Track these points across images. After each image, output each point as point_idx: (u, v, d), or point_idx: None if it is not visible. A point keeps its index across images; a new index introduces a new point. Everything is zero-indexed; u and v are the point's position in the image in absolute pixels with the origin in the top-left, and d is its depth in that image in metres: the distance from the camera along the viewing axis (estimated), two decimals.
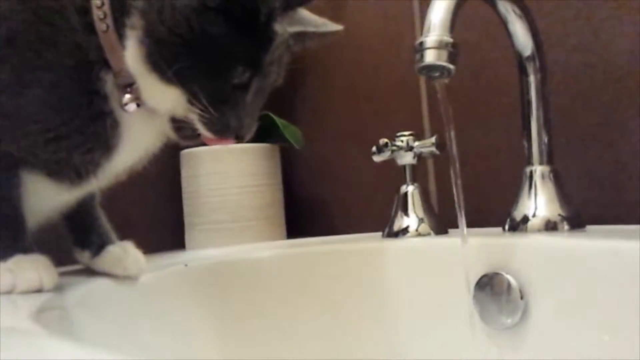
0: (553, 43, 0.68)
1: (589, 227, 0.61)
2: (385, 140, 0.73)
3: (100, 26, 0.47)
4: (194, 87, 0.47)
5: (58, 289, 0.44)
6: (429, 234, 0.71)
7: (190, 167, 0.90)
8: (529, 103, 0.63)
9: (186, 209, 0.91)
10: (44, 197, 0.50)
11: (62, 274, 0.46)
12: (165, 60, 0.46)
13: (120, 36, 0.47)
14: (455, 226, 0.56)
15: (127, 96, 0.48)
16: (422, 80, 0.87)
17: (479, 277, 0.58)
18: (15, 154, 0.47)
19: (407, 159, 0.73)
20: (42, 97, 0.46)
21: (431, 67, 0.53)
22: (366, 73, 0.94)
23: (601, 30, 0.68)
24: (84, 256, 0.54)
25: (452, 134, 0.56)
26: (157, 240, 0.80)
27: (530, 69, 0.63)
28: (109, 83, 0.48)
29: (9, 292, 0.42)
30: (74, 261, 0.56)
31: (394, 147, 0.72)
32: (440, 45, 0.52)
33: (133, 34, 0.47)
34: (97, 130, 0.48)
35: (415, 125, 0.80)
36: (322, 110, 1.01)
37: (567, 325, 0.52)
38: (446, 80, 0.54)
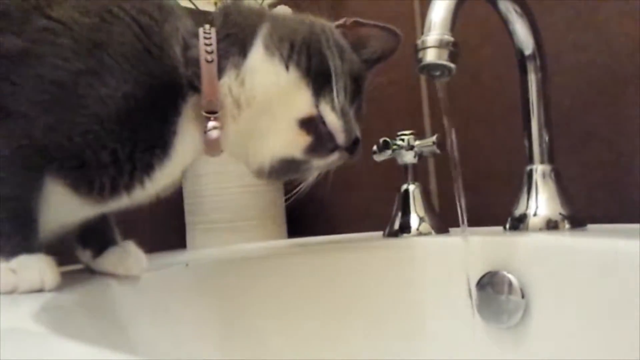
0: (554, 42, 0.68)
1: (590, 226, 0.61)
2: (386, 139, 0.73)
3: (207, 57, 0.50)
4: (326, 79, 0.51)
5: (60, 288, 0.44)
6: (430, 233, 0.71)
7: (191, 167, 0.90)
8: (530, 102, 0.63)
9: (187, 208, 0.91)
10: (65, 210, 0.49)
11: (63, 274, 0.46)
12: (304, 55, 0.51)
13: (221, 68, 0.51)
14: (456, 225, 0.56)
15: (212, 123, 0.51)
16: (423, 80, 0.87)
17: (480, 276, 0.58)
18: (47, 156, 0.46)
19: (408, 158, 0.73)
20: (123, 94, 0.46)
21: (432, 66, 0.53)
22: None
23: (602, 29, 0.68)
24: (86, 255, 0.54)
25: (453, 133, 0.56)
26: (159, 240, 0.80)
27: (530, 67, 0.63)
28: (189, 105, 0.50)
29: (11, 292, 0.42)
30: (75, 261, 0.56)
31: (395, 147, 0.72)
32: (440, 44, 0.52)
33: (256, 44, 0.52)
34: (159, 138, 0.49)
35: (416, 125, 0.80)
36: None
37: (568, 324, 0.52)
38: (447, 79, 0.55)
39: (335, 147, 0.53)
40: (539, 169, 0.62)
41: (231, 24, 0.53)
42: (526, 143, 0.64)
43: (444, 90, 0.55)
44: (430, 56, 0.52)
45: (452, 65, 0.52)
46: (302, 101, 0.51)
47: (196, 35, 0.52)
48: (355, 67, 0.55)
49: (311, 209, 1.03)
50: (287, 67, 0.51)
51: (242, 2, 0.57)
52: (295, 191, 0.61)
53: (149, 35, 0.48)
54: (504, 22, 0.62)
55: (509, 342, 0.56)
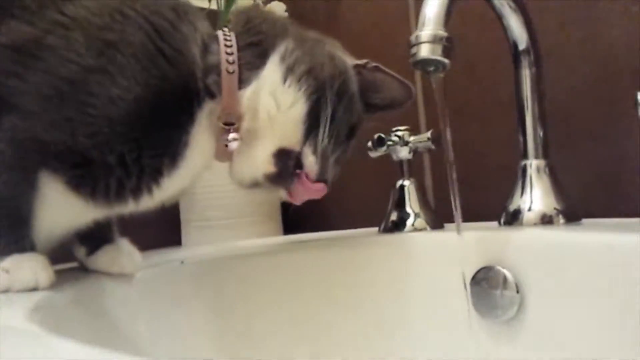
0: (548, 37, 0.68)
1: (585, 221, 0.61)
2: (381, 135, 0.72)
3: (228, 68, 0.49)
4: (321, 119, 0.51)
5: (54, 286, 0.44)
6: (425, 229, 0.71)
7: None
8: (524, 97, 0.63)
9: (183, 205, 0.91)
10: (64, 211, 0.48)
11: (57, 272, 0.46)
12: (311, 85, 0.51)
13: (241, 79, 0.50)
14: (452, 221, 0.56)
15: (232, 135, 0.50)
16: (418, 75, 0.87)
17: (475, 271, 0.58)
18: (46, 154, 0.45)
19: (403, 154, 0.73)
20: (135, 97, 0.45)
21: (426, 62, 0.53)
22: None
23: (597, 23, 0.68)
24: (80, 252, 0.54)
25: (448, 128, 0.56)
26: (154, 237, 0.80)
27: (525, 62, 0.63)
28: (204, 113, 0.49)
29: (5, 292, 0.42)
30: (69, 259, 0.55)
31: (390, 142, 0.72)
32: (434, 40, 0.52)
33: (274, 59, 0.51)
34: (169, 146, 0.48)
35: (410, 120, 0.80)
36: None
37: (562, 318, 0.52)
38: (441, 75, 0.55)
39: (291, 182, 0.53)
40: (534, 164, 0.62)
41: (254, 31, 0.52)
42: (521, 138, 0.64)
43: (439, 85, 0.55)
44: (424, 51, 0.52)
45: (446, 60, 0.52)
46: (292, 136, 0.51)
47: (216, 39, 0.51)
48: (355, 116, 0.55)
49: (306, 205, 1.03)
50: (295, 99, 0.51)
51: (263, 9, 0.55)
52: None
53: (163, 37, 0.46)
54: (498, 17, 0.62)
55: (504, 336, 0.56)
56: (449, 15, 0.53)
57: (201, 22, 0.51)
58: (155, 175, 0.48)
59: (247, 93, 0.50)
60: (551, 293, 0.53)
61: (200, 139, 0.49)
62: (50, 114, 0.44)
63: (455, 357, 0.60)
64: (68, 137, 0.44)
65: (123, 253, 0.53)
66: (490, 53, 0.77)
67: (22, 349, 0.28)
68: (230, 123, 0.50)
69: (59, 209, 0.47)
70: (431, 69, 0.54)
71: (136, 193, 0.48)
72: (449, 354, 0.60)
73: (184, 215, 0.91)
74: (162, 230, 0.93)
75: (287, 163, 0.52)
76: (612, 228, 0.56)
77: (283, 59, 0.51)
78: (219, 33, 0.51)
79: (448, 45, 0.52)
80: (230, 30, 0.52)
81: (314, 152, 0.52)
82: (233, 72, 0.50)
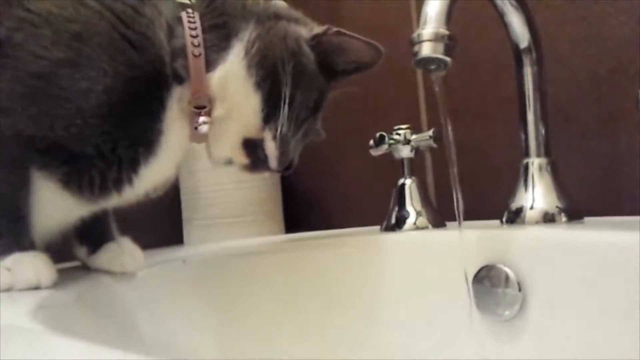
0: (550, 35, 0.68)
1: (587, 219, 0.61)
2: (383, 133, 0.72)
3: (194, 51, 0.49)
4: (279, 104, 0.50)
5: (56, 285, 0.44)
6: (427, 227, 0.71)
7: (187, 163, 0.90)
8: (526, 95, 0.63)
9: (184, 204, 0.91)
10: (57, 208, 0.49)
11: (59, 271, 0.46)
12: (266, 71, 0.51)
13: (208, 62, 0.50)
14: (453, 219, 0.56)
15: (202, 118, 0.50)
16: (419, 73, 0.86)
17: (477, 269, 0.58)
18: (33, 150, 0.45)
19: (404, 152, 0.73)
20: (105, 88, 0.45)
21: (428, 60, 0.53)
22: None
23: (599, 21, 0.68)
24: (82, 252, 0.54)
25: (449, 126, 0.56)
26: (155, 236, 0.80)
27: (526, 61, 0.62)
28: (174, 98, 0.49)
29: (7, 290, 0.42)
30: (71, 257, 0.55)
31: (392, 141, 0.72)
32: (436, 38, 0.51)
33: (238, 46, 0.50)
34: (143, 135, 0.48)
35: (412, 119, 0.80)
36: None
37: (565, 317, 0.52)
38: (443, 73, 0.54)
39: (268, 169, 0.54)
40: (536, 162, 0.62)
41: (217, 12, 0.52)
42: (522, 136, 0.64)
43: (440, 84, 0.55)
44: (426, 50, 0.52)
45: (447, 58, 0.52)
46: (252, 123, 0.52)
47: (180, 21, 0.50)
48: (316, 92, 0.55)
49: (308, 204, 1.03)
50: (251, 87, 0.51)
51: None
52: None
53: (127, 23, 0.46)
54: (500, 15, 0.62)
55: (506, 335, 0.56)
56: (451, 13, 0.52)
57: (165, 4, 0.50)
58: (134, 164, 0.48)
59: (215, 76, 0.50)
60: (553, 291, 0.53)
61: (174, 126, 0.50)
62: (28, 110, 0.44)
63: (457, 355, 0.60)
64: (47, 131, 0.45)
65: (125, 252, 0.53)
66: (491, 51, 0.77)
67: (25, 348, 0.28)
68: (201, 106, 0.50)
69: (52, 205, 0.48)
70: (433, 67, 0.54)
71: (118, 184, 0.49)
72: (451, 352, 0.60)
73: (185, 214, 0.91)
74: (164, 229, 0.93)
75: (257, 152, 0.53)
76: (614, 226, 0.56)
77: (244, 44, 0.51)
78: (183, 15, 0.50)
79: (450, 43, 0.52)
80: (194, 10, 0.51)
81: (274, 138, 0.52)
82: (199, 55, 0.49)
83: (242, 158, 0.53)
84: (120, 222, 0.56)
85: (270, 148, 0.52)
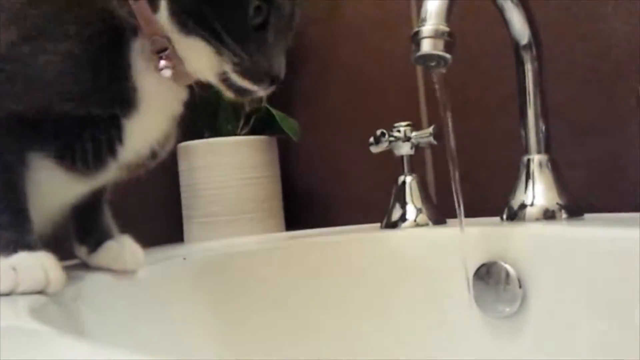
0: (550, 31, 0.68)
1: (587, 215, 0.61)
2: (383, 131, 0.72)
3: None
4: (217, 34, 0.47)
5: None
6: (427, 224, 0.71)
7: (187, 160, 0.90)
8: (526, 92, 0.63)
9: (184, 201, 0.91)
10: (54, 190, 0.49)
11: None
12: (186, 11, 0.47)
13: (152, 3, 0.47)
14: (454, 216, 0.56)
15: (163, 62, 0.48)
16: (419, 70, 0.86)
17: (477, 266, 0.58)
18: (24, 129, 0.45)
19: (404, 149, 0.73)
20: (62, 55, 0.45)
21: (427, 57, 0.53)
22: (363, 64, 0.93)
23: (599, 18, 0.68)
24: (82, 251, 0.54)
25: (450, 123, 0.55)
26: (156, 234, 0.80)
27: (527, 57, 0.62)
28: (136, 50, 0.48)
29: (11, 292, 0.40)
30: (71, 256, 0.55)
31: (392, 138, 0.72)
32: (436, 35, 0.51)
33: None
34: (114, 93, 0.47)
35: (412, 116, 0.80)
36: (320, 102, 1.00)
37: (565, 314, 0.52)
38: (443, 70, 0.54)
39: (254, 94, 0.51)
40: (536, 159, 0.62)
41: None
42: (523, 133, 0.64)
43: (440, 80, 0.55)
44: (426, 46, 0.52)
45: (447, 55, 0.52)
46: (210, 64, 0.49)
47: None
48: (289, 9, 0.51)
49: (309, 201, 1.03)
50: (187, 32, 0.48)
51: None
52: None
53: None
54: (500, 12, 0.61)
55: (506, 332, 0.56)
56: (451, 10, 0.52)
57: None
58: (116, 125, 0.47)
59: (161, 17, 0.47)
60: (553, 288, 0.53)
61: (147, 79, 0.48)
62: (9, 90, 0.44)
63: (457, 352, 0.60)
64: (28, 109, 0.45)
65: (125, 250, 0.53)
66: (492, 48, 0.77)
67: (26, 348, 0.28)
68: (162, 49, 0.48)
69: (49, 185, 0.47)
70: (433, 64, 0.54)
71: (110, 147, 0.48)
72: (451, 349, 0.60)
73: (185, 212, 0.91)
74: (165, 226, 0.93)
75: (232, 83, 0.50)
76: (614, 223, 0.56)
77: None
78: None
79: (450, 40, 0.51)
80: None
81: (234, 70, 0.49)
82: None
83: (228, 92, 0.50)
84: (121, 220, 0.56)
85: (237, 81, 0.49)
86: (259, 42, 0.49)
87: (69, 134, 0.46)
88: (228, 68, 0.49)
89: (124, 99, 0.47)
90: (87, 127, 0.46)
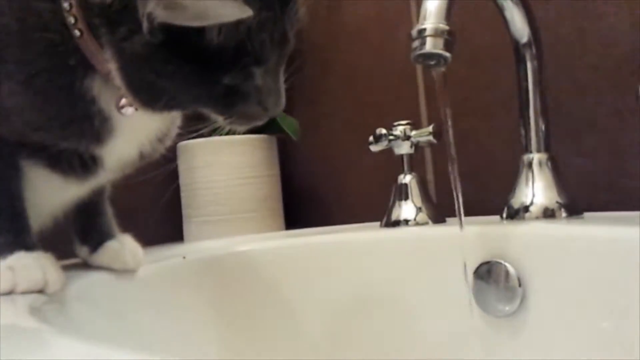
0: (550, 30, 0.68)
1: (587, 214, 0.61)
2: (383, 130, 0.72)
3: (74, 32, 0.42)
4: (192, 107, 0.45)
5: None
6: (427, 223, 0.71)
7: (187, 159, 0.90)
8: (526, 90, 0.63)
9: (184, 201, 0.91)
10: (50, 193, 0.48)
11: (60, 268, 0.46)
12: (143, 89, 0.43)
13: (100, 38, 0.42)
14: (453, 215, 0.56)
15: (124, 100, 0.45)
16: (419, 69, 0.86)
17: (477, 265, 0.58)
18: (11, 140, 0.45)
19: (404, 148, 0.73)
20: (20, 92, 0.43)
21: (427, 55, 0.53)
22: (363, 63, 0.93)
23: (599, 16, 0.68)
24: (83, 251, 0.54)
25: (449, 122, 0.55)
26: (156, 233, 0.80)
27: (527, 56, 0.62)
28: (96, 85, 0.44)
29: (9, 292, 0.40)
30: (71, 255, 0.55)
31: (392, 137, 0.72)
32: (436, 33, 0.51)
33: (108, 48, 0.42)
34: (82, 128, 0.45)
35: (412, 115, 0.80)
36: (319, 101, 1.01)
37: (565, 313, 0.52)
38: (443, 69, 0.54)
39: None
40: (536, 158, 0.62)
41: None
42: (522, 132, 0.63)
43: (440, 79, 0.55)
44: (426, 45, 0.51)
45: (447, 54, 0.52)
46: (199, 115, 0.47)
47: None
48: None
49: (308, 200, 1.03)
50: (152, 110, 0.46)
51: None
52: None
53: (24, 9, 0.42)
54: (500, 10, 0.61)
55: (506, 330, 0.56)
56: (451, 8, 0.52)
57: None
58: (91, 149, 0.46)
59: (109, 55, 0.42)
60: (553, 287, 0.53)
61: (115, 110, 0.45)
62: None
63: (457, 351, 0.60)
64: (8, 133, 0.44)
65: (126, 249, 0.53)
66: (491, 46, 0.77)
67: (26, 347, 0.28)
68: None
69: (46, 190, 0.47)
70: (433, 62, 0.54)
71: (97, 163, 0.47)
72: (451, 348, 0.60)
73: (185, 211, 0.91)
74: (164, 226, 0.93)
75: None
76: (614, 222, 0.56)
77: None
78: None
79: (450, 38, 0.51)
80: None
81: (228, 123, 0.46)
82: (82, 36, 0.42)
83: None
84: (121, 219, 0.56)
85: (234, 128, 0.47)
86: (245, 95, 0.45)
87: (53, 149, 0.46)
88: (220, 121, 0.46)
89: (94, 132, 0.45)
90: (68, 148, 0.46)
